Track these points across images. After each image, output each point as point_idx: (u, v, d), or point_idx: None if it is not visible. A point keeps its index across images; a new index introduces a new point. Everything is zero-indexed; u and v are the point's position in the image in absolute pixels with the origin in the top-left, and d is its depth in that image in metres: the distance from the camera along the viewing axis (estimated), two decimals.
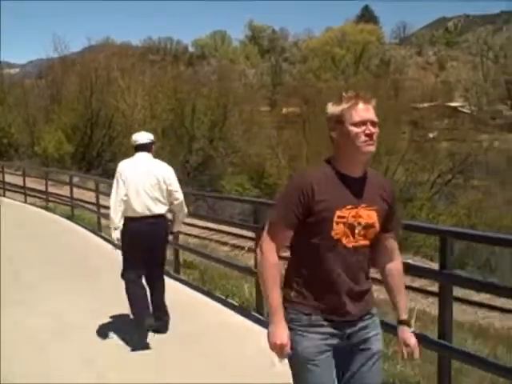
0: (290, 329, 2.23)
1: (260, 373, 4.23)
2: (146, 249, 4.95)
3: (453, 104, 57.47)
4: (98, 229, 11.31)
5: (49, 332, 5.17)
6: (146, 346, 4.77)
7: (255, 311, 5.71)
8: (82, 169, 30.19)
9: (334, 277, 2.22)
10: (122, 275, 5.05)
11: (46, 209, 14.88)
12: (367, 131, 2.19)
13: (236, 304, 6.10)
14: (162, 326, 5.08)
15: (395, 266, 2.41)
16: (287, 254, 2.35)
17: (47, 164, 28.99)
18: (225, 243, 13.69)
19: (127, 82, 27.92)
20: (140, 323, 4.86)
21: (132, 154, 5.15)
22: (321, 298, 2.23)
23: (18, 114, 35.47)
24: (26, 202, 16.49)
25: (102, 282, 6.95)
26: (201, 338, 5.07)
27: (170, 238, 5.76)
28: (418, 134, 23.18)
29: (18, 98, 36.77)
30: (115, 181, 4.96)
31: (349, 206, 2.21)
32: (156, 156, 5.28)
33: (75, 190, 13.62)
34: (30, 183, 18.38)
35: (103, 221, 11.08)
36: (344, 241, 2.22)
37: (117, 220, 4.88)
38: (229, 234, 14.99)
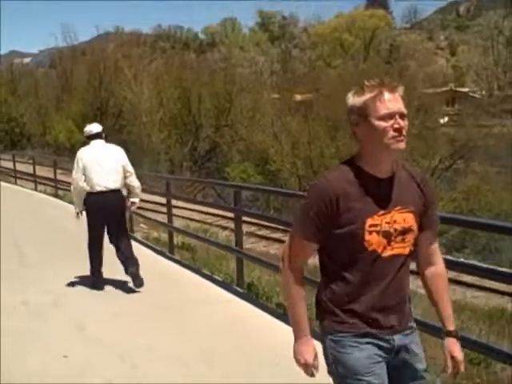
0: (335, 342, 2.03)
1: (234, 338, 4.74)
2: (107, 217, 5.99)
3: (463, 89, 57.31)
4: None
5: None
6: (101, 288, 6.11)
7: (236, 285, 6.23)
8: None
9: (372, 290, 2.00)
10: (88, 240, 6.14)
11: (56, 196, 15.50)
12: (396, 125, 1.91)
13: (220, 279, 6.63)
14: (134, 275, 6.02)
15: (437, 269, 2.14)
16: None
17: (59, 153, 29.70)
18: (225, 227, 14.20)
19: (134, 71, 28.39)
20: (97, 278, 6.18)
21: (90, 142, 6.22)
22: (363, 313, 2.01)
23: (29, 104, 36.19)
24: (36, 189, 17.14)
25: None
26: (181, 307, 5.60)
27: (134, 208, 6.70)
28: (426, 119, 23.27)
29: (30, 87, 37.50)
30: (75, 165, 6.04)
31: (381, 212, 1.95)
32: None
33: None
34: (41, 172, 19.04)
35: None
36: (379, 251, 1.97)
37: (79, 207, 6.15)
38: (230, 218, 15.47)
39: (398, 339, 2.05)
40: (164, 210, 13.55)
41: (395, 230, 1.97)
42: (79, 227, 6.69)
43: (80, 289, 6.28)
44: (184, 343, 4.64)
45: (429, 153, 20.01)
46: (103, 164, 5.96)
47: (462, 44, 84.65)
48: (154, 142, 25.28)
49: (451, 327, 2.12)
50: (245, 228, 13.69)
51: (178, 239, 9.92)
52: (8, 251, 8.08)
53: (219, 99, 27.92)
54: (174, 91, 27.58)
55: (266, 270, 6.65)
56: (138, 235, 10.19)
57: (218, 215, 16.25)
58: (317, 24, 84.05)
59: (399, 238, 1.99)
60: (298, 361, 2.08)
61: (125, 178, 6.11)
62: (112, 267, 6.28)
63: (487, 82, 64.77)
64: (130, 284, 6.16)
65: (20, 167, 20.67)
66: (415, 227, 2.03)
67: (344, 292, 2.01)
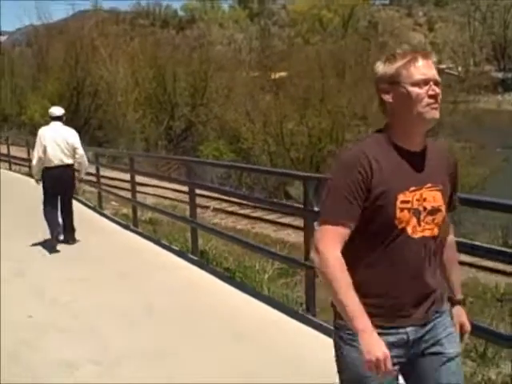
0: (340, 338, 1.88)
1: (184, 299, 5.24)
2: (59, 188, 7.11)
3: (441, 66, 57.88)
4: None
5: None
6: (57, 250, 6.99)
7: (191, 253, 6.74)
8: None
9: (395, 275, 1.83)
10: (44, 207, 7.15)
11: (29, 175, 15.80)
12: (431, 92, 1.79)
13: (177, 248, 7.14)
14: (70, 237, 7.33)
15: (449, 239, 2.06)
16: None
17: (35, 133, 29.76)
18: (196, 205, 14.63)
19: (110, 50, 28.44)
20: (54, 237, 7.07)
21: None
22: (379, 301, 1.83)
23: (5, 84, 36.00)
24: (10, 169, 17.42)
25: None
26: (138, 273, 6.10)
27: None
28: None
29: (5, 66, 37.25)
30: (37, 142, 7.13)
31: (412, 188, 1.81)
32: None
33: None
34: (16, 152, 19.27)
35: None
36: (409, 231, 1.81)
37: (38, 176, 7.23)
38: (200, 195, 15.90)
39: (414, 332, 1.87)
40: (139, 188, 14.06)
41: (424, 208, 1.83)
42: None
43: (42, 257, 6.77)
44: (137, 303, 5.14)
45: None
46: (59, 142, 7.04)
47: (441, 20, 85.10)
48: (129, 121, 25.52)
49: (460, 296, 2.06)
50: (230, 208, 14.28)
51: (146, 215, 10.43)
52: None
53: (195, 78, 28.15)
54: (149, 70, 27.75)
55: (220, 239, 7.17)
56: (107, 212, 10.63)
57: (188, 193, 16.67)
58: (296, 0, 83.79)
59: (429, 218, 1.84)
60: (375, 360, 1.69)
61: (75, 157, 7.19)
62: (77, 235, 6.82)
63: (463, 58, 65.41)
64: (94, 252, 6.74)
65: None
66: (443, 208, 1.88)
67: (365, 279, 1.82)
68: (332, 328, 1.96)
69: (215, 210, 12.82)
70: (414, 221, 1.81)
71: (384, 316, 1.83)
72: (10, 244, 7.25)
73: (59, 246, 7.17)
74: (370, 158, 1.79)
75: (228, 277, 5.81)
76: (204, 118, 26.75)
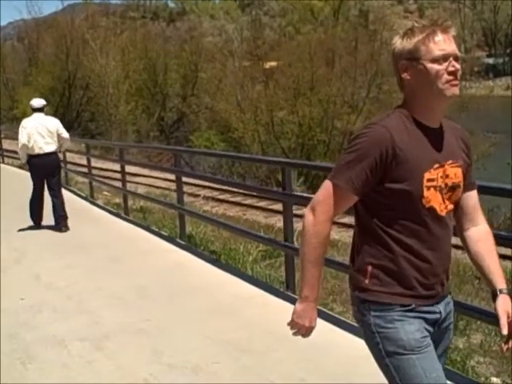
0: (379, 317, 1.82)
1: (171, 279, 5.50)
2: (43, 174, 7.55)
3: None
4: (65, 182, 12.51)
5: None
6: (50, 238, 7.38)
7: (179, 238, 7.00)
8: None
9: (424, 255, 1.81)
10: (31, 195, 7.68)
11: (20, 168, 15.99)
12: (451, 68, 1.74)
13: (165, 234, 7.40)
14: (62, 225, 7.59)
15: (482, 229, 1.96)
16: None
17: None
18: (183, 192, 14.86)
19: (100, 43, 28.56)
20: (35, 223, 7.75)
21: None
22: (410, 283, 1.81)
23: None
24: (3, 162, 17.61)
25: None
26: (128, 257, 6.36)
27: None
28: (383, 82, 23.89)
29: None
30: (20, 132, 7.52)
31: (436, 165, 1.79)
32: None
33: None
34: (9, 145, 19.43)
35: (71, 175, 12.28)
36: (438, 209, 1.80)
37: (24, 160, 7.70)
38: (187, 183, 16.11)
39: (442, 308, 1.89)
40: (132, 178, 14.29)
41: (446, 185, 1.81)
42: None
43: (37, 244, 7.01)
44: (127, 284, 5.40)
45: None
46: (40, 131, 7.46)
47: (431, 7, 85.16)
48: (121, 113, 25.72)
49: (504, 284, 1.88)
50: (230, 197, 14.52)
51: (138, 204, 10.67)
52: None
53: (185, 69, 28.33)
54: (140, 62, 27.92)
55: (209, 225, 7.44)
56: (99, 201, 10.87)
57: (184, 182, 16.91)
58: None
59: (449, 195, 1.83)
60: (300, 323, 1.89)
61: (59, 142, 7.69)
62: (70, 224, 7.05)
63: None
64: (86, 239, 6.99)
65: None
66: (462, 183, 1.87)
67: (394, 257, 1.80)
68: None
69: (206, 197, 13.04)
70: (439, 198, 1.80)
71: (415, 297, 1.81)
72: (5, 234, 7.49)
73: (53, 234, 7.42)
74: (394, 135, 1.74)
75: (214, 259, 6.08)
76: (195, 109, 26.96)
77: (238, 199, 14.92)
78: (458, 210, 1.93)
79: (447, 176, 1.81)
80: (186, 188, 15.94)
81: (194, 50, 28.89)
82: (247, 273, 5.68)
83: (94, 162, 13.61)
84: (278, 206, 13.71)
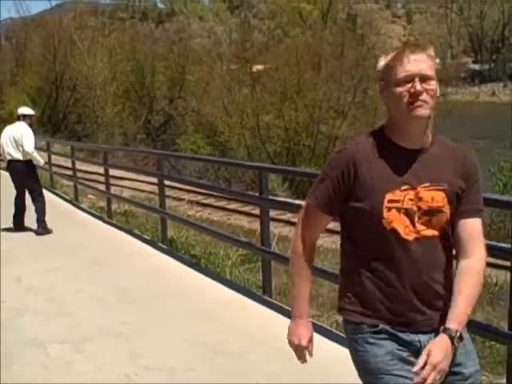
0: (354, 340, 1.83)
1: (151, 282, 5.62)
2: (16, 180, 7.97)
3: None
4: (50, 185, 12.58)
5: None
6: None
7: (161, 242, 7.12)
8: (49, 131, 31.07)
9: (389, 279, 1.76)
10: None
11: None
12: (412, 89, 1.70)
13: (147, 237, 7.51)
14: (38, 229, 7.83)
15: (468, 264, 1.77)
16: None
17: None
18: (167, 196, 14.95)
19: (88, 43, 28.57)
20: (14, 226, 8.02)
21: None
22: (373, 304, 1.79)
23: None
24: None
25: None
26: (110, 260, 6.47)
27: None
28: (368, 87, 24.08)
29: None
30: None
31: (404, 187, 1.73)
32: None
33: None
34: None
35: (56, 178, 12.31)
36: (401, 232, 1.73)
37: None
38: (172, 187, 16.18)
39: (427, 340, 1.74)
40: (117, 182, 14.35)
41: (419, 208, 1.73)
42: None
43: (21, 248, 7.09)
44: (107, 287, 5.51)
45: (369, 121, 21.05)
46: (10, 139, 7.86)
47: (419, 12, 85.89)
48: (107, 115, 25.76)
49: (452, 325, 1.71)
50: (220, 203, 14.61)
51: (122, 208, 10.75)
52: None
53: (173, 71, 28.43)
54: (128, 64, 27.96)
55: (191, 230, 7.55)
56: (84, 205, 10.95)
57: (168, 186, 17.00)
58: None
59: (425, 219, 1.74)
60: (290, 342, 1.93)
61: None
62: (53, 227, 7.11)
63: (441, 50, 66.23)
64: (69, 242, 7.09)
65: None
66: (446, 209, 1.75)
67: (360, 278, 1.80)
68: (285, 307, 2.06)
69: (190, 202, 13.15)
70: (406, 221, 1.73)
71: (387, 320, 1.78)
72: None
73: (36, 238, 7.53)
74: (356, 157, 1.76)
75: (194, 263, 6.21)
76: (182, 112, 27.05)
77: (222, 204, 15.03)
78: (452, 238, 1.82)
79: (420, 199, 1.73)
80: (171, 192, 16.18)
81: (181, 53, 28.99)
82: (226, 277, 5.81)
83: (80, 165, 13.69)
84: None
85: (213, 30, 71.37)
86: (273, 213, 12.66)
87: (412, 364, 1.70)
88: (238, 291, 5.30)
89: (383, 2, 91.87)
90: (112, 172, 13.10)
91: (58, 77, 32.78)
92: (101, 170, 14.03)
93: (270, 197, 4.96)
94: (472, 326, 2.92)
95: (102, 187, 11.72)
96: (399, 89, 1.73)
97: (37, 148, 17.58)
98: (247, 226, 12.82)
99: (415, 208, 1.73)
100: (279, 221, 12.26)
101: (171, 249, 6.85)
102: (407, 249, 1.73)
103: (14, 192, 8.13)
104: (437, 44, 67.04)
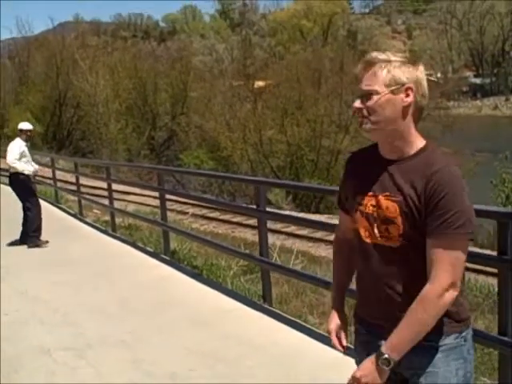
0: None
1: (154, 292, 5.72)
2: (16, 194, 8.30)
3: None
4: (55, 200, 12.75)
5: None
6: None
7: (164, 254, 7.23)
8: (54, 148, 31.34)
9: (362, 280, 1.88)
10: None
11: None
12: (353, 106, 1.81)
13: (150, 249, 7.63)
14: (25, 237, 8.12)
15: (425, 288, 1.69)
16: None
17: None
18: (172, 210, 15.12)
19: (90, 62, 28.92)
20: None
21: None
22: (357, 299, 1.93)
23: None
24: None
25: None
26: (113, 272, 6.58)
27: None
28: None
29: None
30: None
31: (370, 193, 1.79)
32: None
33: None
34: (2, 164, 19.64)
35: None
36: (362, 234, 1.82)
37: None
38: (177, 201, 16.31)
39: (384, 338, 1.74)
40: (122, 197, 14.52)
41: (378, 215, 1.77)
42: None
43: (27, 262, 7.21)
44: (111, 298, 5.61)
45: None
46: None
47: (419, 28, 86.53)
48: (111, 131, 26.01)
49: (383, 348, 1.70)
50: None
51: (126, 222, 10.88)
52: None
53: (175, 88, 28.73)
54: (130, 81, 28.29)
55: (194, 241, 7.66)
56: (88, 219, 11.07)
57: (172, 200, 17.17)
58: (276, 11, 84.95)
59: (383, 228, 1.76)
60: (328, 330, 2.02)
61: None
62: (52, 240, 7.23)
63: (442, 64, 66.68)
64: (74, 255, 7.23)
65: None
66: (399, 221, 1.72)
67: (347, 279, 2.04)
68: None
69: (195, 215, 13.29)
70: (366, 224, 1.80)
71: (357, 315, 1.92)
72: None
73: (42, 251, 7.67)
74: (349, 163, 1.92)
75: (196, 274, 6.31)
76: (185, 128, 27.30)
77: (227, 217, 15.18)
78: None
79: (380, 207, 1.76)
80: (175, 206, 16.35)
81: (183, 70, 29.33)
82: (227, 287, 5.90)
83: (85, 181, 13.84)
84: (268, 225, 13.99)
85: (214, 48, 72.13)
86: (278, 225, 12.83)
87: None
88: (238, 300, 5.39)
89: (383, 18, 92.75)
90: (117, 187, 13.30)
91: (61, 95, 33.16)
92: (104, 184, 14.24)
93: (268, 209, 5.08)
94: None
95: (107, 202, 11.91)
96: (353, 104, 1.83)
97: (42, 164, 17.78)
98: (251, 238, 12.91)
99: (375, 215, 1.77)
100: (282, 233, 12.41)
101: (174, 260, 6.96)
102: (367, 252, 1.81)
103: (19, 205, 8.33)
104: (437, 59, 67.62)
